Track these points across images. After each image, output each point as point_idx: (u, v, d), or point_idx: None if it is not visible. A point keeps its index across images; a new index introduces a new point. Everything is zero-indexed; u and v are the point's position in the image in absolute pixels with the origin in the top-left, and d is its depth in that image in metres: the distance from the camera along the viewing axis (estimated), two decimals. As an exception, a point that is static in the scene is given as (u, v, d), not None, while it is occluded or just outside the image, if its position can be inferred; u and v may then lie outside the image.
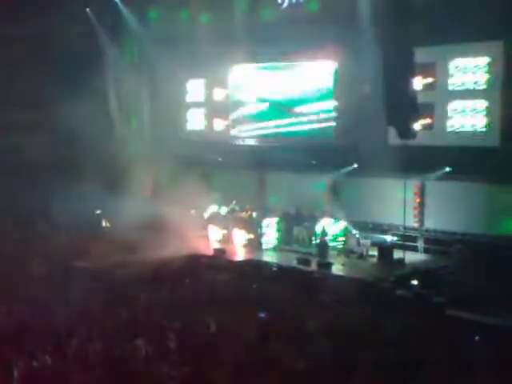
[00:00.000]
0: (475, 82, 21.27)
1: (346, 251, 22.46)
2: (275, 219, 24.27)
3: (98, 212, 26.93)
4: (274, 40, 24.80)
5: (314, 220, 23.47)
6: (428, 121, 22.16)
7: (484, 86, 21.13)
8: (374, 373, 11.39)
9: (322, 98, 25.15)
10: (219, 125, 29.29)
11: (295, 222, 24.19)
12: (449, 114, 21.96)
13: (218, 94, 29.13)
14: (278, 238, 24.06)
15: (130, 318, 14.02)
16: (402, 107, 19.98)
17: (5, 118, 26.77)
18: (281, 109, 26.52)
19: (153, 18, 30.57)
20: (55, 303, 14.93)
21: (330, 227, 22.90)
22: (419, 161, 21.24)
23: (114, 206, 24.85)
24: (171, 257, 20.63)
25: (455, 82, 21.73)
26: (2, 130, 26.68)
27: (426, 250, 22.45)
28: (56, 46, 27.46)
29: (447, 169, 21.57)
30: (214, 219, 25.58)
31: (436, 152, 21.64)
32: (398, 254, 21.42)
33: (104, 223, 26.84)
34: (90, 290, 16.43)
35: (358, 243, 22.52)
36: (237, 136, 28.48)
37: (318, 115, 25.29)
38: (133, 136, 30.42)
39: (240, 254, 23.18)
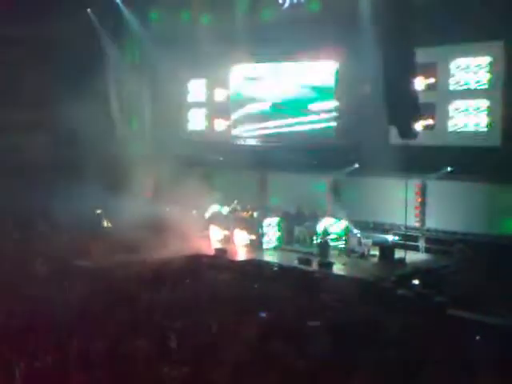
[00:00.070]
0: (476, 82, 21.28)
1: (347, 251, 22.47)
2: (276, 219, 24.28)
3: (99, 212, 26.94)
4: (275, 40, 24.81)
5: (315, 220, 23.49)
6: (429, 121, 22.17)
7: (485, 86, 21.13)
8: (375, 373, 11.38)
9: (323, 97, 25.14)
10: (220, 125, 29.33)
11: (296, 221, 24.23)
12: (450, 114, 21.98)
13: (219, 95, 29.16)
14: (279, 238, 24.07)
15: (131, 318, 14.00)
16: (403, 107, 19.98)
17: (6, 118, 26.77)
18: (282, 109, 26.51)
19: (154, 19, 30.64)
20: (56, 303, 14.94)
21: (331, 227, 22.91)
22: (420, 161, 21.25)
23: (115, 206, 24.88)
24: (172, 257, 20.63)
25: (456, 81, 21.73)
26: (3, 130, 26.69)
27: (427, 250, 22.44)
28: (57, 47, 27.46)
29: (448, 168, 21.58)
30: (216, 219, 25.58)
31: (437, 152, 21.64)
32: (399, 254, 21.43)
33: (105, 223, 26.85)
34: (91, 290, 16.44)
35: (359, 243, 22.52)
36: (238, 136, 28.48)
37: (319, 115, 25.29)
38: (134, 136, 30.45)
39: (241, 254, 23.19)
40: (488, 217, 20.93)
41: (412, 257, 21.51)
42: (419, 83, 21.36)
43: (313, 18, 24.36)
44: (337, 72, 24.61)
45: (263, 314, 14.91)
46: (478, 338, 13.54)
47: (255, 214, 25.02)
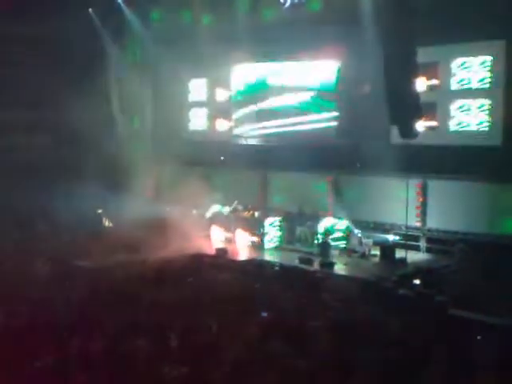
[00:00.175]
0: (477, 82, 21.26)
1: (348, 250, 22.48)
2: (277, 219, 24.28)
3: (100, 211, 26.96)
4: (276, 40, 24.84)
5: (317, 219, 23.48)
6: (430, 120, 22.15)
7: (486, 86, 21.12)
8: (376, 372, 11.37)
9: (325, 97, 25.14)
10: (221, 125, 29.34)
11: (297, 221, 24.20)
12: (451, 114, 21.95)
13: (220, 94, 29.19)
14: (280, 238, 24.07)
15: (132, 318, 14.00)
16: (404, 107, 19.95)
17: (6, 118, 26.77)
18: (283, 108, 26.52)
19: (155, 19, 30.73)
20: (57, 303, 14.95)
21: (332, 227, 22.92)
22: (421, 160, 21.27)
23: (115, 205, 24.90)
24: (173, 256, 20.63)
25: (457, 81, 21.73)
26: (3, 130, 26.70)
27: (428, 250, 22.42)
28: (58, 47, 27.51)
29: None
30: (217, 219, 25.60)
31: (438, 151, 21.64)
32: (400, 254, 21.43)
33: (106, 223, 26.86)
34: (92, 290, 16.45)
35: (360, 243, 22.52)
36: (239, 136, 28.49)
37: (321, 114, 25.29)
38: (135, 136, 30.49)
39: (242, 254, 23.18)
40: (489, 216, 20.90)
41: (413, 257, 21.50)
42: (420, 83, 21.33)
43: (314, 18, 24.39)
44: (338, 71, 24.59)
45: (264, 314, 14.91)
46: (478, 337, 13.52)
47: (256, 214, 25.05)
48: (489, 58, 20.92)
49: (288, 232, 24.11)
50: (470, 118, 21.49)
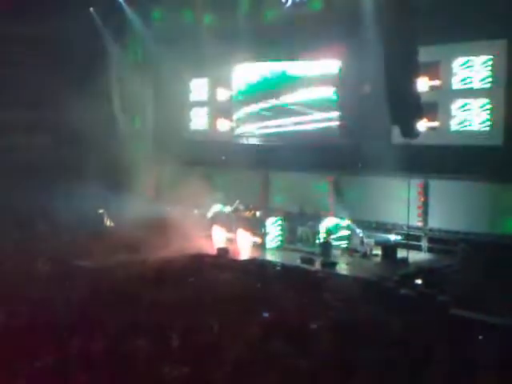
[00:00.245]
0: (479, 81, 21.23)
1: (350, 250, 22.44)
2: (279, 218, 24.27)
3: (101, 211, 26.95)
4: (278, 39, 24.83)
5: (318, 219, 23.47)
6: (431, 120, 22.13)
7: (488, 85, 21.09)
8: (377, 372, 11.36)
9: (326, 96, 25.11)
10: (223, 124, 29.33)
11: (299, 221, 24.19)
12: (452, 113, 21.93)
13: (222, 94, 29.19)
14: (281, 238, 24.05)
15: (133, 318, 13.99)
16: (405, 106, 19.93)
17: (6, 118, 26.76)
18: (284, 108, 26.50)
19: (156, 18, 30.71)
20: (57, 303, 14.94)
21: (334, 226, 22.90)
22: (423, 160, 21.25)
23: (117, 205, 24.90)
24: (174, 256, 20.62)
25: (459, 81, 21.71)
26: (3, 129, 26.69)
27: (429, 250, 22.40)
28: (59, 46, 27.49)
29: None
30: (218, 219, 25.58)
31: (440, 151, 21.62)
32: (401, 254, 21.40)
33: (107, 222, 26.85)
34: (93, 290, 16.43)
35: (362, 242, 22.50)
36: (240, 135, 28.48)
37: (322, 114, 25.27)
38: (136, 136, 30.47)
39: (244, 254, 23.17)
40: (490, 216, 20.88)
41: (415, 256, 21.49)
42: (421, 82, 21.30)
43: (315, 17, 24.37)
44: (340, 70, 24.57)
45: (266, 314, 14.89)
46: (480, 337, 13.50)
47: (258, 214, 25.03)
48: (490, 58, 20.88)
49: (289, 232, 24.10)
50: (472, 117, 21.46)
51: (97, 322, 13.55)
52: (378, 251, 21.98)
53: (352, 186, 24.33)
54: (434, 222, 22.32)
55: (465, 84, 21.57)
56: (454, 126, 21.94)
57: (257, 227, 24.14)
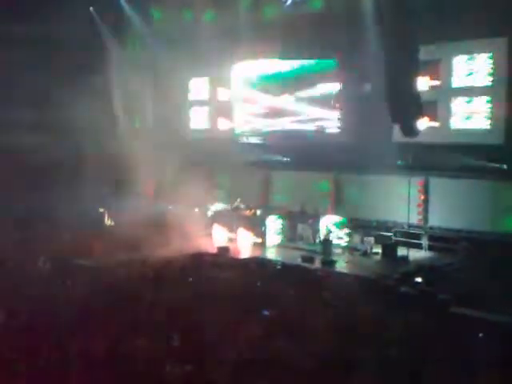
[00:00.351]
0: (479, 79, 21.22)
1: (350, 249, 22.47)
2: (279, 217, 24.27)
3: (102, 211, 26.94)
4: (277, 38, 24.79)
5: (318, 218, 23.48)
6: (432, 118, 22.12)
7: (488, 83, 21.07)
8: (378, 371, 11.35)
9: (327, 95, 25.11)
10: (223, 123, 29.31)
11: (299, 219, 24.22)
12: (453, 112, 21.92)
13: (222, 93, 29.16)
14: (282, 236, 24.05)
15: (133, 317, 13.99)
16: (406, 105, 19.92)
17: (7, 118, 26.73)
18: (285, 107, 26.49)
19: (156, 17, 30.65)
20: (58, 302, 14.93)
21: (334, 225, 22.91)
22: (423, 158, 21.24)
23: (117, 204, 24.89)
24: (175, 255, 20.62)
25: (459, 79, 21.69)
26: (4, 129, 26.65)
27: (430, 248, 22.40)
28: (59, 45, 27.45)
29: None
30: (218, 218, 25.60)
31: (440, 149, 21.60)
32: (401, 252, 21.41)
33: (107, 222, 26.85)
34: (93, 289, 16.42)
35: (362, 241, 22.53)
36: (240, 134, 28.48)
37: (322, 113, 25.26)
38: (136, 135, 30.43)
39: (244, 252, 23.17)
40: (491, 214, 20.88)
41: (415, 254, 21.50)
42: (422, 81, 21.29)
43: (315, 16, 24.35)
44: (340, 69, 24.54)
45: (266, 312, 14.90)
46: (481, 335, 13.50)
47: (258, 212, 25.03)
48: (491, 56, 20.87)
49: (290, 230, 24.11)
50: (472, 115, 21.45)
51: (97, 321, 13.56)
52: (379, 249, 21.99)
53: (352, 184, 24.36)
54: (434, 220, 22.32)
55: (465, 82, 21.54)
56: (454, 124, 21.92)
57: (257, 226, 24.15)
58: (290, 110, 26.28)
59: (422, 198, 22.48)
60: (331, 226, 22.86)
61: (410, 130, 20.14)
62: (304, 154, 25.04)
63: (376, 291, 17.29)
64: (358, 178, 24.12)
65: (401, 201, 21.69)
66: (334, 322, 14.12)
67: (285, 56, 26.02)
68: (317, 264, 20.80)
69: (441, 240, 22.05)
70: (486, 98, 21.14)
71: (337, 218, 23.14)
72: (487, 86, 21.10)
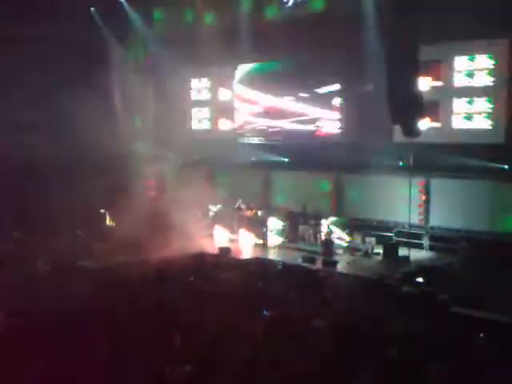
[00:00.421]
0: (481, 79, 21.20)
1: (351, 249, 22.47)
2: (281, 217, 24.26)
3: (102, 211, 26.95)
4: (279, 39, 24.78)
5: (319, 218, 23.48)
6: (433, 119, 22.11)
7: (490, 83, 21.05)
8: (378, 372, 11.34)
9: (327, 95, 25.10)
10: (224, 123, 29.32)
11: (301, 220, 24.21)
12: (454, 112, 21.91)
13: (223, 93, 29.18)
14: (283, 237, 24.04)
15: (134, 318, 13.99)
16: (407, 105, 19.90)
17: (7, 118, 26.73)
18: (286, 107, 26.49)
19: (157, 18, 30.68)
20: (58, 302, 14.94)
21: (335, 225, 22.91)
22: (424, 158, 21.23)
23: (118, 205, 24.86)
24: (176, 255, 20.62)
25: (460, 79, 21.68)
26: (4, 129, 26.64)
27: (431, 248, 22.40)
28: (59, 46, 27.43)
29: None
30: (220, 218, 25.61)
31: (441, 149, 21.59)
32: (403, 252, 21.40)
33: (108, 222, 26.85)
34: (93, 290, 16.42)
35: (363, 241, 22.53)
36: (242, 135, 28.49)
37: (324, 113, 25.25)
38: (137, 135, 30.46)
39: (245, 253, 23.18)
40: (492, 214, 20.88)
41: (416, 254, 21.49)
42: (423, 81, 21.28)
43: (316, 17, 24.35)
44: (341, 69, 24.54)
45: (267, 312, 14.89)
46: (481, 335, 13.49)
47: (259, 213, 25.03)
48: (492, 56, 20.85)
49: (291, 231, 24.11)
50: (473, 116, 21.43)
51: (98, 321, 13.55)
52: (380, 250, 21.98)
53: (353, 184, 24.36)
54: (436, 221, 22.33)
55: (466, 82, 21.53)
56: (455, 124, 21.91)
57: (258, 226, 24.15)
58: (290, 110, 26.28)
59: (423, 198, 22.49)
60: (332, 227, 22.89)
61: (411, 130, 20.11)
62: (305, 154, 25.05)
63: (377, 291, 17.29)
64: (359, 179, 24.12)
65: (402, 201, 21.70)
66: (334, 321, 14.10)
67: (285, 56, 25.98)
68: (318, 264, 20.79)
69: (442, 240, 22.06)
70: (487, 98, 21.12)
71: (338, 219, 23.16)
72: (488, 86, 21.08)
